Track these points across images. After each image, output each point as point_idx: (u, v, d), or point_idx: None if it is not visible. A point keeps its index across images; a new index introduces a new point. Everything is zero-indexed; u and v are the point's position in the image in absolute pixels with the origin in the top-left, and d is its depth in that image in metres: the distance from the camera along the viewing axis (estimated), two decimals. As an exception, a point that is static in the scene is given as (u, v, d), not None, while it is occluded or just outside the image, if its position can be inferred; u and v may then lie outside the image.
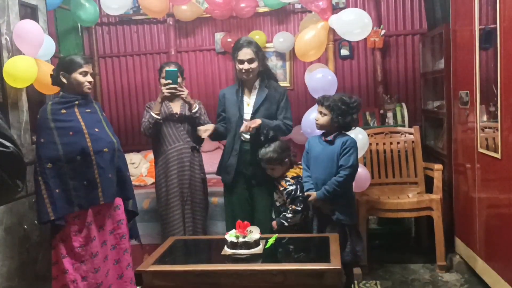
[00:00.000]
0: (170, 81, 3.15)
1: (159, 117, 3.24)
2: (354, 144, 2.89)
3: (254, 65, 3.11)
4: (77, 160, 2.65)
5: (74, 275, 2.69)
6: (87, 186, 2.67)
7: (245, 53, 3.09)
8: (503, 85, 2.67)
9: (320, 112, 2.91)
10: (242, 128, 3.04)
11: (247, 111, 3.16)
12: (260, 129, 3.04)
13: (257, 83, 3.19)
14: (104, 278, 2.76)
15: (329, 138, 2.90)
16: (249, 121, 3.06)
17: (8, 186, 1.66)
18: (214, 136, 3.23)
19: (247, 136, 3.14)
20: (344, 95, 2.91)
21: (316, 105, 3.05)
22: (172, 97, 3.25)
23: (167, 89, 3.15)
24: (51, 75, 2.78)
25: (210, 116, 4.42)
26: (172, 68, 3.27)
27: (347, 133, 2.96)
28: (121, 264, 2.82)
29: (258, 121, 3.03)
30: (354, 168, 2.87)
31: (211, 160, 4.03)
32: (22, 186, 1.79)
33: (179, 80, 3.27)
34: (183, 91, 3.20)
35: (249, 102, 3.18)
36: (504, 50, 2.65)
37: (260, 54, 3.15)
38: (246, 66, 3.09)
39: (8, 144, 1.47)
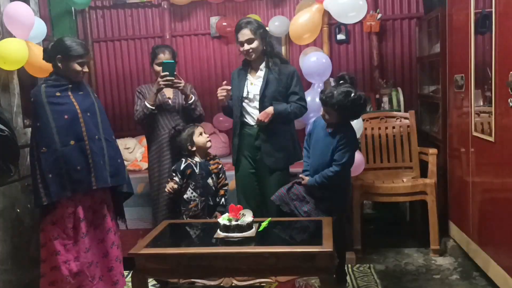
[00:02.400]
0: (167, 73, 3.10)
1: (153, 108, 3.20)
2: (352, 141, 2.83)
3: (254, 45, 3.03)
4: (70, 144, 2.64)
5: (66, 256, 2.69)
6: (80, 171, 2.66)
7: (243, 34, 3.03)
8: (498, 69, 2.65)
9: (327, 112, 2.78)
10: (257, 122, 3.04)
11: (251, 89, 3.11)
12: (274, 118, 3.00)
13: (262, 66, 3.12)
14: (94, 257, 2.79)
15: (329, 130, 2.83)
16: (260, 114, 3.02)
17: (1, 170, 1.66)
18: (227, 111, 3.27)
19: (252, 122, 3.12)
20: (347, 89, 2.69)
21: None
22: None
23: (163, 81, 3.10)
24: (45, 49, 2.73)
25: (205, 99, 4.42)
26: (170, 59, 3.22)
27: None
28: (105, 243, 2.83)
29: (270, 112, 2.99)
30: (346, 166, 2.81)
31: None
32: (15, 171, 1.79)
33: (176, 72, 3.26)
34: (180, 83, 3.17)
35: (253, 82, 3.12)
36: (499, 34, 2.64)
37: (259, 32, 3.05)
38: (246, 47, 3.04)
39: (2, 127, 1.45)
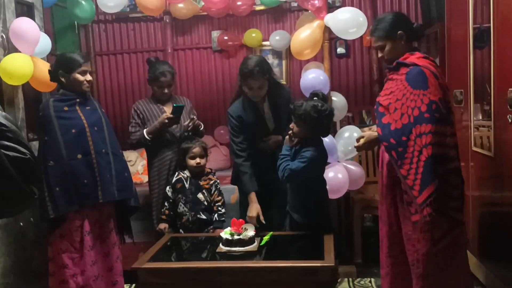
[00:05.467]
0: (176, 116, 3.15)
1: (150, 141, 3.23)
2: (311, 157, 2.65)
3: (263, 90, 2.96)
4: (77, 158, 2.67)
5: (74, 269, 2.71)
6: (87, 184, 2.69)
7: (255, 82, 2.89)
8: (496, 84, 2.69)
9: (295, 124, 2.70)
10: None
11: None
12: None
13: (265, 97, 3.04)
14: (101, 270, 2.80)
15: (296, 147, 2.74)
16: (272, 141, 3.04)
17: (25, 193, 1.67)
18: None
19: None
20: (317, 102, 2.67)
21: None
22: (164, 100, 3.33)
23: (171, 122, 3.17)
24: (49, 71, 2.79)
25: (206, 112, 4.45)
26: (170, 81, 3.30)
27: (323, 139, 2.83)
28: (110, 258, 2.85)
29: (279, 138, 3.00)
30: (309, 161, 2.62)
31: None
32: (38, 193, 1.80)
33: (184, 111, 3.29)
34: (199, 125, 3.31)
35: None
36: (497, 49, 2.68)
37: (269, 77, 2.97)
38: (255, 93, 2.94)
39: (24, 150, 1.47)
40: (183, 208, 3.12)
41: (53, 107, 2.68)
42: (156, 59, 3.47)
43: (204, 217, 3.09)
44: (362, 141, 2.47)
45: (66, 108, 2.71)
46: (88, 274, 2.73)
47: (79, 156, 2.67)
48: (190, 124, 3.25)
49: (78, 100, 2.75)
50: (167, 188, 3.20)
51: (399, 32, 2.37)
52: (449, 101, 2.28)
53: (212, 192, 3.15)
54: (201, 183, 3.14)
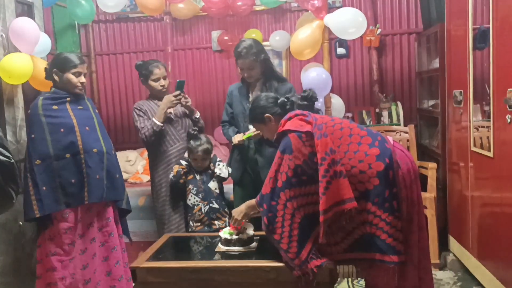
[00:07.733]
0: (179, 92, 3.19)
1: (162, 125, 3.21)
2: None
3: (254, 71, 3.08)
4: (66, 157, 2.64)
5: (63, 272, 2.66)
6: (74, 184, 2.65)
7: (243, 62, 3.05)
8: (496, 85, 2.68)
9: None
10: (237, 139, 3.07)
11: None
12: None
13: (258, 83, 3.15)
14: (92, 275, 2.75)
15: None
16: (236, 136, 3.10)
17: (5, 196, 1.68)
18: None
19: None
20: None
21: None
22: (163, 97, 3.31)
23: (177, 99, 3.18)
24: (45, 68, 2.78)
25: (206, 112, 4.45)
26: (164, 73, 3.32)
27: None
28: (109, 262, 2.80)
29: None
30: None
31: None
32: (16, 197, 1.81)
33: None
34: (188, 100, 3.27)
35: (251, 99, 3.16)
36: (496, 49, 2.67)
37: (260, 60, 3.06)
38: (245, 74, 3.10)
39: (8, 154, 1.48)
40: (194, 198, 3.16)
41: (41, 106, 2.65)
42: (142, 61, 3.50)
43: (216, 205, 3.17)
44: (241, 207, 2.51)
45: (55, 107, 2.68)
46: (77, 278, 2.70)
47: (68, 155, 2.64)
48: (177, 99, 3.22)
49: (69, 99, 2.72)
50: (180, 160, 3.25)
51: (266, 115, 2.43)
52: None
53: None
54: (210, 171, 3.22)
